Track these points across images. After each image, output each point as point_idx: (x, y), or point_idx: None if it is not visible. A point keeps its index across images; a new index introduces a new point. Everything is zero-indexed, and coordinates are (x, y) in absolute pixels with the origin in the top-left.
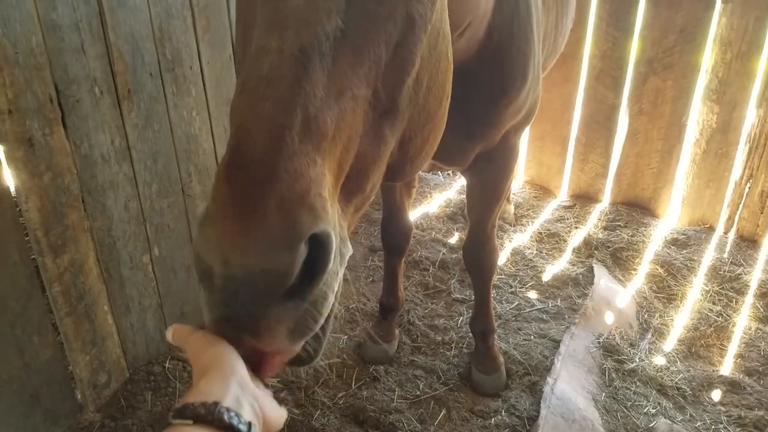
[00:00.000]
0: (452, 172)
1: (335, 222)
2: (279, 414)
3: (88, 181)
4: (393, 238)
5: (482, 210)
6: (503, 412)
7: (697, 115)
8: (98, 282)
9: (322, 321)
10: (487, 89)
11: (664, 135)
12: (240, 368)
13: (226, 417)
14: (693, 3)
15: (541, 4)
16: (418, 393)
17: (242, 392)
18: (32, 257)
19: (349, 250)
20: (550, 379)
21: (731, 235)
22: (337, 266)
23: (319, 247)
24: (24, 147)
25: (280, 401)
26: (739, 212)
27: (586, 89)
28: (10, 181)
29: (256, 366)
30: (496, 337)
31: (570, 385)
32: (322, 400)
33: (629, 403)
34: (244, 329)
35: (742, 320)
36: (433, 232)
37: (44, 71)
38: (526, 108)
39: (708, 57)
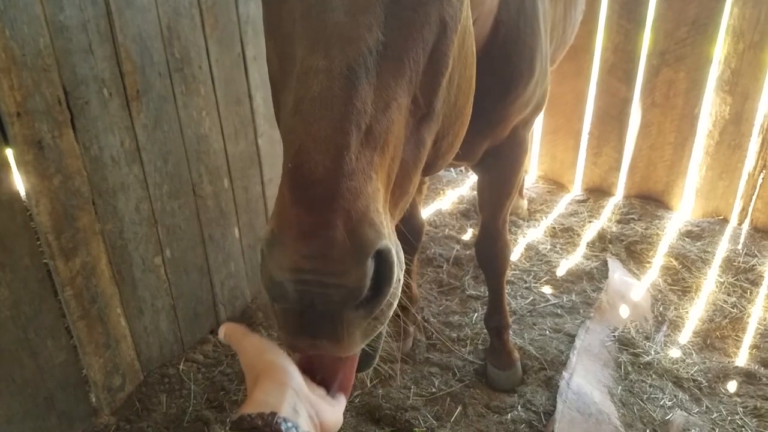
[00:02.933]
0: (464, 168)
1: (390, 232)
2: (336, 419)
3: (98, 184)
4: (405, 234)
5: (494, 205)
6: (519, 408)
7: (710, 106)
8: (111, 284)
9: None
10: (495, 84)
11: (677, 127)
12: (296, 375)
13: (283, 428)
14: None
15: None
16: (433, 390)
17: (299, 400)
18: (44, 261)
19: (401, 254)
20: (566, 374)
21: (745, 227)
22: (399, 274)
23: (382, 261)
24: (34, 150)
25: None
26: (752, 203)
27: (599, 82)
28: (20, 185)
29: (323, 377)
30: (511, 332)
31: (586, 380)
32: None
33: (645, 396)
34: (322, 336)
35: (757, 311)
36: (447, 229)
37: (52, 73)
38: (534, 101)
39: (720, 48)
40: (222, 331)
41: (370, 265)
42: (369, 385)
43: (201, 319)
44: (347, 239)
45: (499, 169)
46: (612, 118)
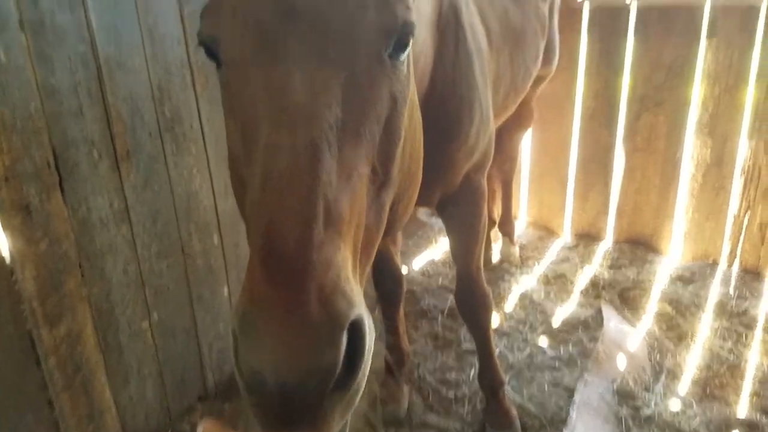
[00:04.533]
0: None
1: (360, 299)
2: None
3: (86, 246)
4: (384, 285)
5: (463, 253)
6: None
7: (692, 149)
8: (96, 352)
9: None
10: (438, 134)
11: (661, 171)
12: None
13: None
14: (679, 39)
15: (486, 48)
16: None
17: None
18: (28, 329)
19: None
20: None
21: (735, 269)
22: (371, 342)
23: (355, 331)
24: (21, 214)
25: None
26: (740, 245)
27: (581, 128)
28: (5, 250)
29: None
30: (508, 388)
31: None
32: None
33: None
34: (301, 424)
35: (754, 356)
36: (440, 278)
37: (42, 135)
38: (480, 150)
39: (697, 91)
40: (200, 430)
41: (344, 339)
42: None
43: (188, 385)
44: (321, 313)
45: (460, 217)
46: (596, 163)
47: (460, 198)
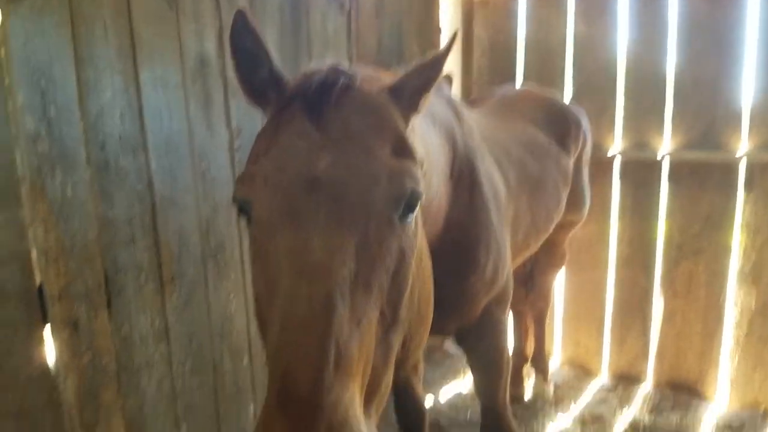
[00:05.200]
0: None
1: (371, 429)
2: None
3: (125, 361)
4: (407, 418)
5: (486, 388)
6: None
7: (734, 297)
8: None
9: None
10: (453, 270)
11: (703, 317)
12: None
13: None
14: (715, 193)
15: (504, 192)
16: None
17: None
18: None
19: None
20: None
21: None
22: None
23: None
24: (69, 329)
25: None
26: None
27: (617, 273)
28: (51, 360)
29: None
30: None
31: None
32: None
33: None
34: None
35: None
36: (468, 412)
37: (96, 261)
38: (498, 284)
39: (737, 241)
40: None
41: None
42: None
43: None
44: None
45: (481, 350)
46: (633, 307)
47: (480, 331)
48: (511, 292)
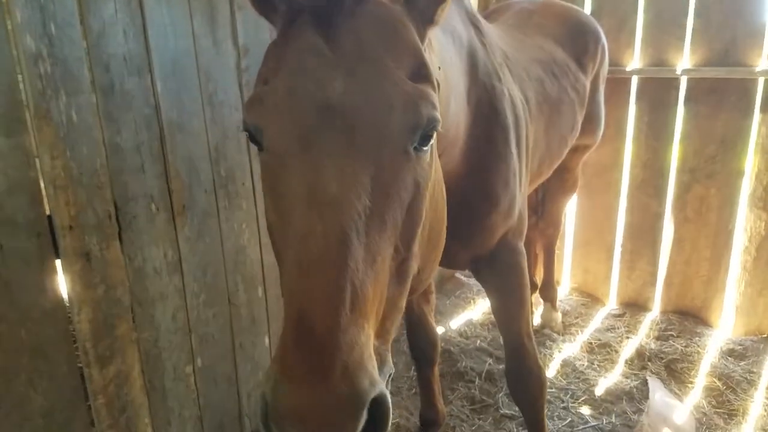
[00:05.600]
0: None
1: (384, 368)
2: None
3: (139, 293)
4: (419, 347)
5: (509, 320)
6: None
7: (744, 221)
8: (141, 394)
9: None
10: (469, 203)
11: (712, 242)
12: None
13: None
14: (731, 113)
15: (524, 116)
16: None
17: None
18: (79, 366)
19: (391, 369)
20: None
21: None
22: (390, 416)
23: (378, 406)
24: (81, 261)
25: None
26: None
27: (629, 198)
28: (65, 293)
29: None
30: None
31: None
32: None
33: None
34: None
35: None
36: (478, 341)
37: (105, 190)
38: (514, 215)
39: (750, 164)
40: None
41: (365, 413)
42: None
43: (226, 430)
44: (345, 390)
45: (501, 279)
46: (644, 232)
47: (497, 260)
48: (526, 221)
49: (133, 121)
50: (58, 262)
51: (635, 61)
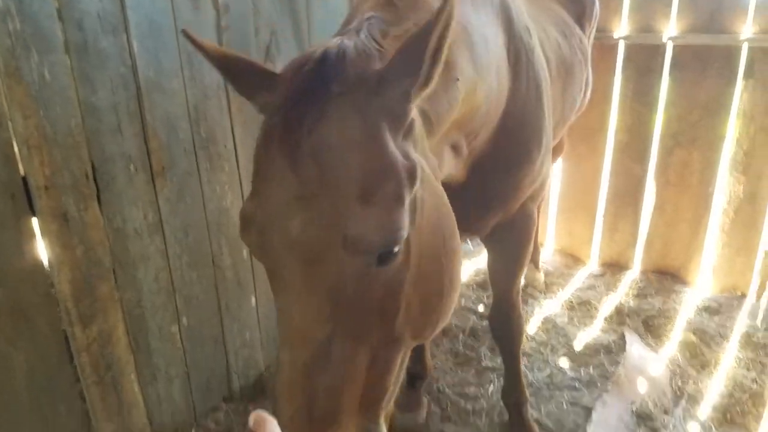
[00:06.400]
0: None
1: None
2: None
3: (119, 254)
4: None
5: (507, 278)
6: None
7: (725, 185)
8: (126, 352)
9: None
10: (505, 164)
11: (693, 205)
12: None
13: None
14: (715, 79)
15: (547, 77)
16: None
17: None
18: (62, 329)
19: None
20: None
21: (763, 302)
22: None
23: None
24: (58, 221)
25: None
26: None
27: (613, 162)
28: (44, 254)
29: None
30: (528, 406)
31: None
32: None
33: None
34: None
35: None
36: (463, 300)
37: (81, 150)
38: (542, 176)
39: (732, 129)
40: (252, 419)
41: None
42: None
43: (214, 387)
44: None
45: (510, 242)
46: (627, 196)
47: (513, 224)
48: (546, 186)
49: (108, 80)
50: (35, 223)
51: (623, 27)
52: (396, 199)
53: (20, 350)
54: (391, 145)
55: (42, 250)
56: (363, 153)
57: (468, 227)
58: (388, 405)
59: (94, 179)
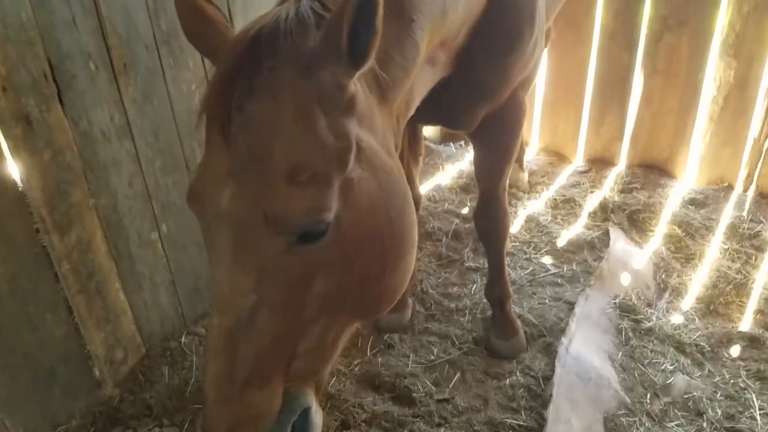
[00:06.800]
0: (464, 143)
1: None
2: None
3: (89, 159)
4: None
5: (493, 173)
6: (518, 373)
7: (714, 71)
8: (107, 260)
9: None
10: (496, 48)
11: (680, 94)
12: None
13: None
14: None
15: None
16: (432, 358)
17: None
18: (39, 237)
19: (303, 404)
20: (564, 340)
21: (750, 193)
22: None
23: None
24: (21, 124)
25: None
26: (758, 170)
27: (600, 50)
28: (11, 161)
29: None
30: (511, 301)
31: (585, 346)
32: (338, 368)
33: (646, 361)
34: None
35: (762, 277)
36: (446, 204)
37: (36, 46)
38: (533, 61)
39: (724, 10)
40: None
41: None
42: (369, 354)
43: (202, 293)
44: None
45: (499, 134)
46: (614, 86)
47: (503, 114)
48: (537, 72)
49: None
50: None
51: None
52: (322, 181)
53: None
54: (321, 126)
55: (8, 157)
56: (290, 133)
57: (456, 121)
58: (321, 378)
59: (54, 78)
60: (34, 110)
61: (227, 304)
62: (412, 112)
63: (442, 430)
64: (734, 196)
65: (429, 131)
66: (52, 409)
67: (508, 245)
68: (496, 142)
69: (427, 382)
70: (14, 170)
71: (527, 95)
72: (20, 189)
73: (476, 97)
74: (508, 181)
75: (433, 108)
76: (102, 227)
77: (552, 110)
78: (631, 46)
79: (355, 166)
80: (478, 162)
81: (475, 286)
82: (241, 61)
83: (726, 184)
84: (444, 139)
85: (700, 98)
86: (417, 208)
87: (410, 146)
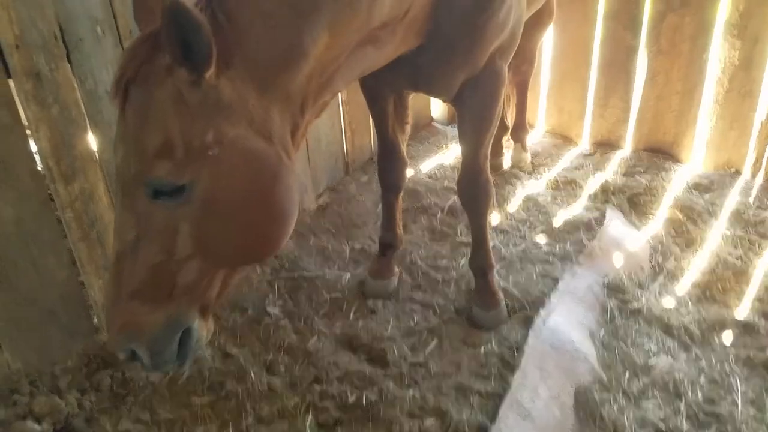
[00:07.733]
0: None
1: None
2: None
3: (94, 116)
4: (388, 173)
5: (472, 140)
6: (494, 342)
7: (719, 51)
8: (109, 211)
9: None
10: (463, 11)
11: (685, 75)
12: None
13: None
14: None
15: None
16: (412, 324)
17: None
18: (46, 185)
19: (185, 324)
20: (542, 311)
21: (758, 179)
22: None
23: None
24: (32, 80)
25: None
26: (766, 155)
27: (604, 29)
28: (21, 113)
29: None
30: (496, 274)
31: (566, 319)
32: (320, 329)
33: (629, 341)
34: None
35: (765, 263)
36: (446, 181)
37: (47, 9)
38: (509, 27)
39: None
40: None
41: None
42: (351, 317)
43: None
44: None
45: (476, 102)
46: (618, 67)
47: (480, 82)
48: (518, 41)
49: None
50: (10, 83)
51: None
52: (178, 156)
53: (6, 202)
54: (181, 114)
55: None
56: (156, 116)
57: (433, 86)
58: (206, 305)
59: (63, 40)
60: (44, 68)
61: (119, 234)
62: (341, 88)
63: (411, 391)
64: (741, 182)
65: (437, 113)
66: (51, 348)
67: (503, 224)
68: (475, 109)
69: (404, 346)
70: (24, 122)
71: (506, 63)
72: (29, 138)
73: (450, 62)
74: (489, 150)
75: (411, 73)
76: (104, 180)
77: (558, 89)
78: (635, 27)
79: (216, 147)
80: (459, 130)
81: (464, 259)
82: (141, 46)
83: (733, 170)
84: (451, 120)
85: (705, 79)
86: (402, 175)
87: (396, 114)
